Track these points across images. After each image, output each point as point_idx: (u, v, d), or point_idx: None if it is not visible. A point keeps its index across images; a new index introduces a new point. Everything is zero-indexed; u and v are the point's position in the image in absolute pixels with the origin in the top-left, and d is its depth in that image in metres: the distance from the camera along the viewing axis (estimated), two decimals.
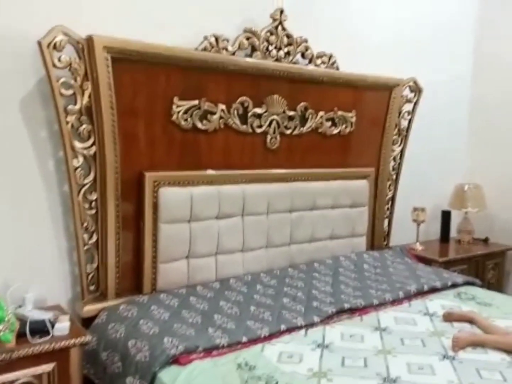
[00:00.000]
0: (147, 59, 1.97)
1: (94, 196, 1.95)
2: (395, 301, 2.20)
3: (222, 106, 2.24)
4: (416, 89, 2.96)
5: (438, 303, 2.19)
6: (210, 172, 2.22)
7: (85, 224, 1.94)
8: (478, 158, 3.47)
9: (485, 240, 3.26)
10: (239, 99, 2.29)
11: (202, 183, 2.18)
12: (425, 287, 2.34)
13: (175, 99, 2.09)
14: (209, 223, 2.19)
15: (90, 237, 1.97)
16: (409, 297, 2.26)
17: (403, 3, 3.05)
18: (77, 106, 1.85)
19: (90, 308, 1.96)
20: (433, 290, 2.36)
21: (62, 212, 1.99)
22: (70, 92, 1.83)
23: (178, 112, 2.10)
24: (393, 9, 3.02)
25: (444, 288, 2.39)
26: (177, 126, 2.12)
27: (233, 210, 2.27)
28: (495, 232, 3.32)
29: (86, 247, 1.97)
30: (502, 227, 3.31)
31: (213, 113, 2.22)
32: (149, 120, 2.05)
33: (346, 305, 2.07)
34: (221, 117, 2.25)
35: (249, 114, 2.34)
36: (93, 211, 1.95)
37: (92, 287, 2.02)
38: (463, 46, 3.45)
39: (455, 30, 3.36)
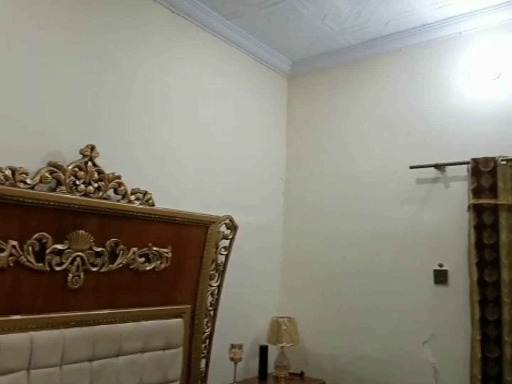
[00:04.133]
0: None
1: None
2: None
3: (13, 243, 2.00)
4: (232, 226, 3.09)
5: None
6: None
7: None
8: (290, 292, 3.67)
9: (301, 375, 3.31)
10: (36, 235, 2.10)
11: None
12: None
13: None
14: None
15: None
16: None
17: (219, 148, 3.31)
18: None
19: None
20: None
21: None
22: None
23: None
24: (208, 150, 3.24)
25: None
26: None
27: (16, 364, 1.93)
28: (310, 366, 3.42)
29: None
30: (315, 361, 3.43)
31: (1, 251, 1.97)
32: None
33: None
34: (11, 255, 2.00)
35: (48, 251, 2.13)
36: None
37: None
38: (276, 188, 3.81)
39: (268, 173, 3.73)
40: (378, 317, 3.23)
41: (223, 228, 3.05)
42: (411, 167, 3.15)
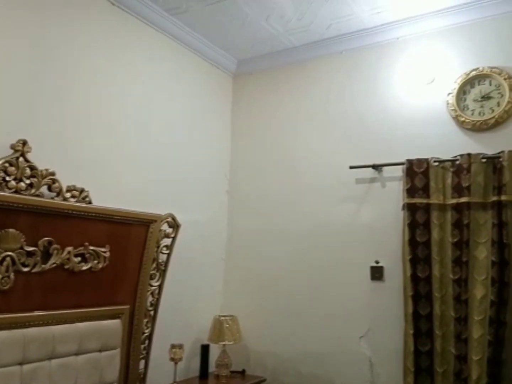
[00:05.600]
0: None
1: None
2: None
3: None
4: (174, 225, 3.05)
5: None
6: None
7: None
8: (233, 290, 3.68)
9: (242, 372, 3.33)
10: None
11: None
12: None
13: None
14: None
15: None
16: None
17: (162, 145, 3.26)
18: None
19: None
20: None
21: None
22: None
23: None
24: (150, 147, 3.18)
25: None
26: None
27: None
28: (251, 363, 3.44)
29: None
30: (257, 358, 3.46)
31: None
32: None
33: None
34: None
35: None
36: None
37: None
38: (221, 186, 3.80)
39: (213, 171, 3.72)
40: (317, 312, 3.30)
41: (165, 227, 3.00)
42: (351, 167, 3.24)
